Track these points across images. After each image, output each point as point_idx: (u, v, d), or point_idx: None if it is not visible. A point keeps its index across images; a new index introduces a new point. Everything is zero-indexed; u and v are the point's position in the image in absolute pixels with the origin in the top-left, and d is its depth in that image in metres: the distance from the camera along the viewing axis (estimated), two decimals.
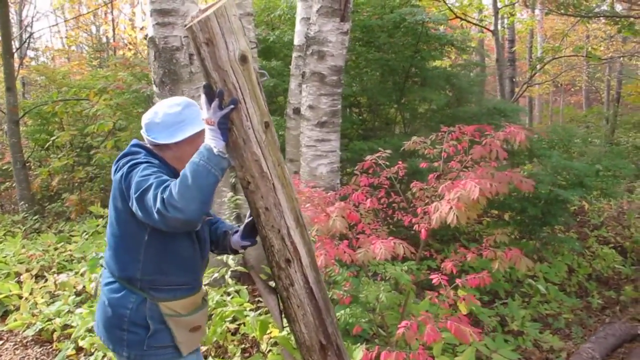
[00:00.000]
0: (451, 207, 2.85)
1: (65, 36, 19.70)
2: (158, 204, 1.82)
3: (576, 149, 7.17)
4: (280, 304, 2.23)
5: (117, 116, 8.78)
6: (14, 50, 10.34)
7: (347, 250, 2.99)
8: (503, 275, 6.04)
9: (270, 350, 3.72)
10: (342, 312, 3.73)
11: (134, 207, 1.93)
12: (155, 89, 4.54)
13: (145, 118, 2.22)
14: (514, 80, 12.67)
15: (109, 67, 9.64)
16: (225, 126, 1.90)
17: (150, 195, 1.88)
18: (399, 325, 2.92)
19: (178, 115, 2.18)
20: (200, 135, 2.17)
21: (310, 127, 4.39)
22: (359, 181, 3.56)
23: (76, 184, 9.52)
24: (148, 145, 2.22)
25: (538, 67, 9.72)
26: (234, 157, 1.97)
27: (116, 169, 2.15)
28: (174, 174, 2.12)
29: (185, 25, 1.86)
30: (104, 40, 18.72)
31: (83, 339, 4.01)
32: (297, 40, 5.03)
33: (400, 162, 3.65)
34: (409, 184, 3.62)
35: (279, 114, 5.68)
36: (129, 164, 2.08)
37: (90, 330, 4.11)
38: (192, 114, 2.20)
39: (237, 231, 2.44)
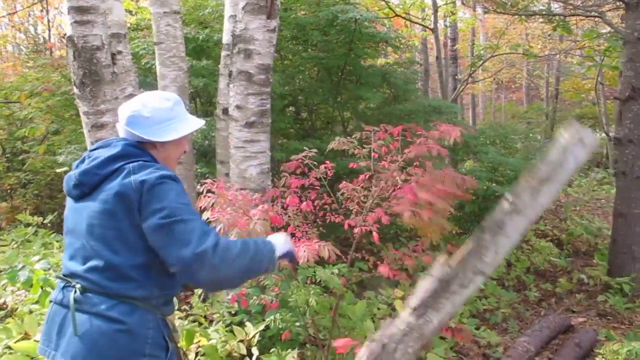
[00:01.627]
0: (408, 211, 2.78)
1: None
2: (203, 247, 1.72)
3: (513, 145, 7.27)
4: None
5: (49, 119, 8.42)
6: None
7: None
8: None
9: None
10: (272, 317, 3.64)
11: (152, 229, 1.74)
12: (75, 90, 4.33)
13: (129, 110, 1.95)
14: (456, 77, 12.86)
15: (37, 68, 9.23)
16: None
17: (191, 230, 1.75)
18: (335, 345, 2.85)
19: (169, 111, 1.98)
20: (186, 137, 2.07)
21: (238, 127, 4.26)
22: (289, 182, 3.46)
23: (7, 191, 9.10)
24: (138, 147, 1.97)
25: (478, 64, 9.89)
26: None
27: (113, 172, 1.86)
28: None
29: None
30: (41, 40, 18.06)
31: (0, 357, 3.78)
32: (226, 38, 4.89)
33: (327, 162, 3.57)
34: (336, 184, 3.55)
35: (210, 114, 5.53)
36: (155, 175, 1.80)
37: (9, 347, 3.87)
38: (181, 112, 2.03)
39: None
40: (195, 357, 3.63)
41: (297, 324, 3.60)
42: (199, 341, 3.66)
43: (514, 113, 18.16)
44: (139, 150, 1.94)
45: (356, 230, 3.04)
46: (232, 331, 3.76)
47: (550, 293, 6.29)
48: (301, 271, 3.29)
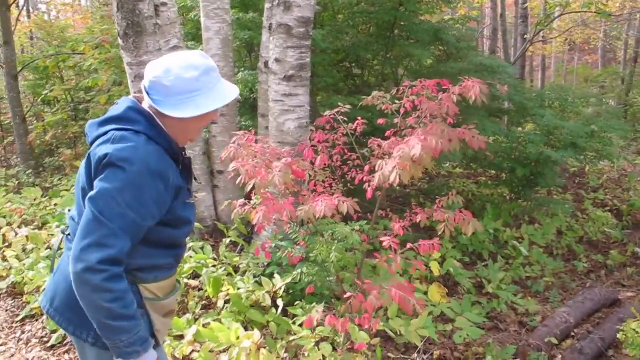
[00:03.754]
0: (395, 166, 2.72)
1: None
2: (86, 255, 1.60)
3: (575, 109, 6.90)
4: None
5: (111, 71, 8.68)
6: (11, 3, 10.22)
7: (288, 208, 2.89)
8: (488, 237, 5.94)
9: (225, 308, 3.69)
10: (299, 271, 3.68)
11: (86, 202, 1.66)
12: (119, 41, 4.42)
13: (151, 73, 1.76)
14: (525, 37, 12.23)
15: (100, 21, 9.50)
16: None
17: (93, 231, 1.62)
18: (344, 296, 2.85)
19: (194, 82, 1.74)
20: (215, 111, 1.83)
21: (277, 81, 4.24)
22: (313, 137, 3.44)
23: (72, 139, 9.52)
24: (147, 110, 1.80)
25: (545, 23, 9.34)
26: None
27: (100, 136, 1.75)
28: (172, 148, 1.81)
29: None
30: None
31: None
32: None
33: (359, 118, 3.51)
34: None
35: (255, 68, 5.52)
36: (120, 155, 1.66)
37: None
38: (209, 83, 1.78)
39: None
40: (224, 305, 3.74)
41: (328, 279, 3.62)
42: (227, 289, 3.75)
43: (586, 76, 17.18)
44: (142, 116, 1.78)
45: (367, 185, 2.97)
46: (260, 282, 3.83)
47: (601, 265, 6.04)
48: (322, 227, 3.28)
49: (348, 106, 3.59)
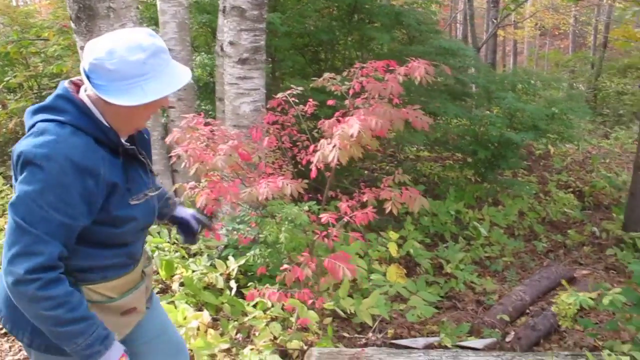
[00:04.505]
0: (334, 146, 2.75)
1: None
2: (14, 267, 1.49)
3: (537, 92, 7.00)
4: None
5: (75, 57, 8.55)
6: None
7: (232, 190, 2.90)
8: (450, 219, 6.02)
9: (179, 290, 3.70)
10: (251, 253, 3.70)
11: (8, 209, 1.55)
12: (72, 25, 4.36)
13: (92, 54, 1.55)
14: (495, 21, 12.31)
15: (61, 4, 9.33)
16: None
17: (17, 241, 1.50)
18: (281, 268, 2.88)
19: (141, 66, 1.54)
20: (165, 97, 1.64)
21: (232, 64, 4.23)
22: (263, 119, 3.45)
23: None
24: (78, 98, 1.61)
25: (512, 7, 9.41)
26: None
27: (29, 128, 1.59)
28: (107, 137, 1.62)
29: None
30: None
31: None
32: None
33: (310, 100, 3.52)
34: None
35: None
36: (37, 152, 1.49)
37: None
38: (158, 66, 1.59)
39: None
40: (178, 288, 3.75)
41: (281, 260, 3.64)
42: (181, 272, 3.77)
43: (557, 61, 17.38)
44: (71, 104, 1.59)
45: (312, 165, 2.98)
46: (214, 265, 3.84)
47: (560, 244, 6.16)
48: (271, 208, 3.30)
49: (300, 88, 3.60)
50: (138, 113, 1.66)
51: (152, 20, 5.91)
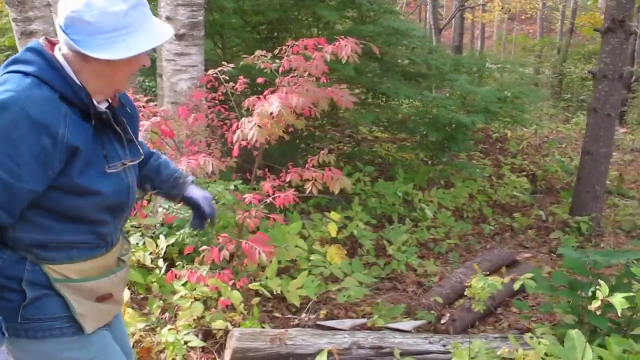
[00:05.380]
0: (255, 124, 2.70)
1: None
2: None
3: (492, 74, 7.02)
4: None
5: None
6: None
7: None
8: (398, 200, 6.02)
9: None
10: (181, 232, 3.65)
11: None
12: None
13: (68, 6, 1.41)
14: (464, 5, 12.30)
15: None
16: None
17: None
18: (200, 249, 2.84)
19: (122, 19, 1.43)
20: (146, 54, 1.54)
21: (168, 40, 4.13)
22: (191, 96, 3.38)
23: None
24: (50, 52, 1.48)
25: None
26: None
27: None
28: (77, 96, 1.47)
29: None
30: None
31: None
32: None
33: (241, 77, 3.46)
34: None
35: None
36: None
37: None
38: (139, 19, 1.47)
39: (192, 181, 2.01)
40: None
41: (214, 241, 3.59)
42: None
43: (524, 45, 17.49)
44: (39, 56, 1.46)
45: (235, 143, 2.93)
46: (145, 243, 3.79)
47: (507, 227, 6.23)
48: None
49: (231, 65, 3.53)
50: (119, 71, 1.53)
51: None
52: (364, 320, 3.63)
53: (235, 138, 2.77)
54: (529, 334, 3.33)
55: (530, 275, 3.15)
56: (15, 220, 1.44)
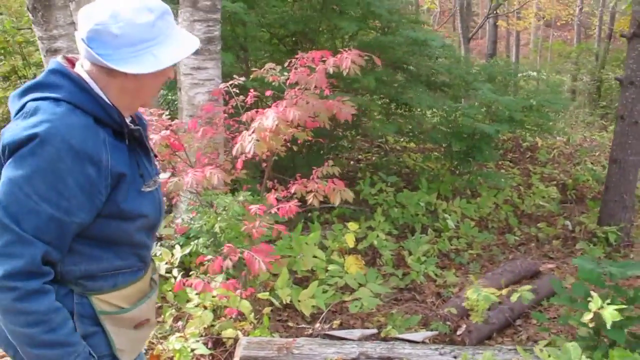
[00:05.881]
0: (253, 137, 2.76)
1: None
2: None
3: (517, 83, 6.93)
4: None
5: None
6: None
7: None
8: (421, 210, 6.00)
9: None
10: (195, 242, 3.73)
11: None
12: (29, 15, 4.41)
13: (93, 19, 1.34)
14: (493, 12, 12.13)
15: None
16: None
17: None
18: (204, 259, 2.91)
19: (150, 30, 1.36)
20: (173, 66, 1.48)
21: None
22: (202, 108, 3.47)
23: None
24: (74, 72, 1.40)
25: None
26: None
27: (18, 111, 1.37)
28: (110, 117, 1.41)
29: None
30: None
31: None
32: None
33: (251, 90, 3.53)
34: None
35: None
36: (25, 133, 1.29)
37: None
38: (166, 29, 1.41)
39: None
40: None
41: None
42: None
43: (560, 52, 17.13)
44: (67, 79, 1.38)
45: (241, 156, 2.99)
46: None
47: (533, 238, 6.12)
48: (205, 197, 3.32)
49: (242, 78, 3.62)
50: (147, 85, 1.46)
51: None
52: (374, 331, 3.63)
53: (234, 151, 2.84)
54: (538, 347, 3.29)
55: (528, 287, 3.10)
56: (61, 257, 1.38)
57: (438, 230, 5.89)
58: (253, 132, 2.75)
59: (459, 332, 4.17)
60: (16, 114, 1.36)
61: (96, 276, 1.46)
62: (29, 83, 1.39)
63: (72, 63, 1.46)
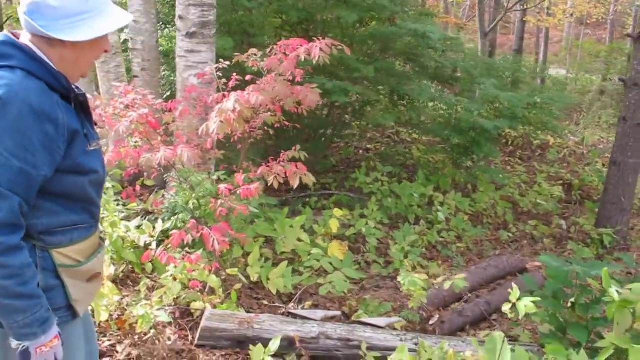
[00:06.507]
0: (220, 119, 2.88)
1: None
2: None
3: (524, 79, 6.90)
4: None
5: None
6: None
7: (132, 154, 3.09)
8: (414, 201, 6.06)
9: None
10: (174, 218, 3.89)
11: None
12: None
13: None
14: (520, 7, 11.90)
15: None
16: None
17: None
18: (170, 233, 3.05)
19: (84, 3, 1.54)
20: (106, 35, 1.63)
21: (181, 37, 4.38)
22: (185, 90, 3.61)
23: None
24: (25, 44, 1.54)
25: None
26: None
27: None
28: (59, 82, 1.55)
29: None
30: None
31: None
32: None
33: (234, 74, 3.65)
34: None
35: None
36: None
37: None
38: (100, 4, 1.58)
39: None
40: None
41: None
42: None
43: (590, 51, 16.74)
44: (18, 49, 1.52)
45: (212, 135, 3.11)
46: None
47: (527, 235, 6.12)
48: (180, 174, 3.47)
49: (226, 63, 3.74)
50: (83, 55, 1.61)
51: None
52: (337, 313, 3.74)
53: (200, 131, 2.97)
54: (474, 338, 3.37)
55: (462, 276, 3.18)
56: (29, 209, 1.51)
57: (431, 222, 5.95)
58: (217, 114, 2.88)
59: (431, 322, 4.26)
60: None
61: (55, 231, 1.60)
62: None
63: (16, 37, 1.59)
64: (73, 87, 1.62)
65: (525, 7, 10.20)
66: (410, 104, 6.43)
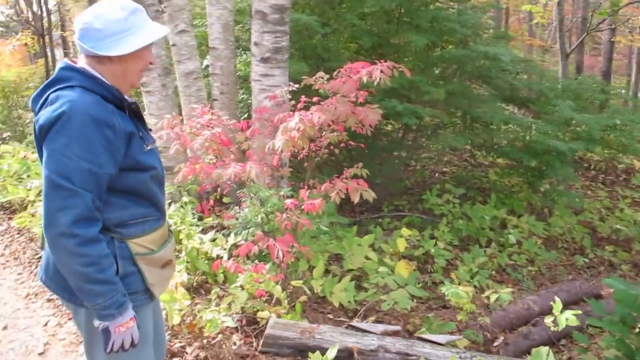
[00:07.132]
0: (285, 137, 3.08)
1: None
2: (54, 225, 1.67)
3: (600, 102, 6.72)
4: None
5: None
6: None
7: (205, 169, 3.34)
8: (485, 223, 6.01)
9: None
10: (245, 232, 4.12)
11: (44, 173, 1.72)
12: None
13: (81, 22, 1.81)
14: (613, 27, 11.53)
15: None
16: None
17: (50, 202, 1.69)
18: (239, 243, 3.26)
19: (123, 22, 1.80)
20: (148, 48, 1.89)
21: (256, 62, 4.67)
22: (258, 110, 3.85)
23: None
24: (81, 66, 1.83)
25: (608, 11, 8.83)
26: None
27: (42, 104, 1.79)
28: (112, 94, 1.83)
29: None
30: None
31: None
32: None
33: (302, 97, 3.87)
34: None
35: None
36: (55, 114, 1.70)
37: None
38: (138, 22, 1.84)
39: None
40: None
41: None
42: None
43: None
44: (75, 72, 1.81)
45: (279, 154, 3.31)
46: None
47: (605, 261, 5.90)
48: (248, 190, 3.69)
49: (296, 85, 3.98)
50: (131, 67, 1.88)
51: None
52: (397, 328, 3.81)
53: (266, 149, 3.18)
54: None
55: (509, 290, 3.15)
56: (102, 205, 1.78)
57: (502, 245, 5.88)
58: (281, 133, 3.08)
59: (495, 344, 4.23)
60: (40, 107, 1.80)
61: (128, 224, 1.88)
62: (45, 83, 1.84)
63: (74, 62, 1.90)
64: (125, 97, 1.88)
65: (613, 26, 9.83)
66: (484, 126, 6.42)
